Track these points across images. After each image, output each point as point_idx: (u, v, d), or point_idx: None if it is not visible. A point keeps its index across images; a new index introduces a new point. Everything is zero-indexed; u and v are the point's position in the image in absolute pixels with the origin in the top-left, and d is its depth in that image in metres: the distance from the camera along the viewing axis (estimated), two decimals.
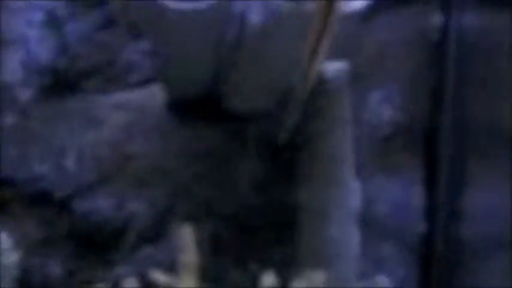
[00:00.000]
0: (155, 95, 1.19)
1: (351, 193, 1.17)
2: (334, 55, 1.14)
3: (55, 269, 1.08)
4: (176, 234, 0.96)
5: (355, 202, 1.17)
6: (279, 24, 1.03)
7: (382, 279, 1.17)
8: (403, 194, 1.31)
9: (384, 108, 1.29)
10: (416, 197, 1.30)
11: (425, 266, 1.30)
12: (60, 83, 1.16)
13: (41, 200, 1.10)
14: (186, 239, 0.87)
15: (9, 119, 1.13)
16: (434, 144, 1.31)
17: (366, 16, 1.17)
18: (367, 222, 1.22)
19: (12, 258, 0.93)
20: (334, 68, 1.13)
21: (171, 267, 0.87)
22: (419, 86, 1.29)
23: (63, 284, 0.95)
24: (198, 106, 1.15)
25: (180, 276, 0.86)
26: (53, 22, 1.15)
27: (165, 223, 1.14)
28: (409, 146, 1.31)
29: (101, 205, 1.14)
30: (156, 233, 1.14)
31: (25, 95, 1.14)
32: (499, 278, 1.22)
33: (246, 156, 1.16)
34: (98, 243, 1.12)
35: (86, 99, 1.18)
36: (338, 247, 1.09)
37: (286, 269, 0.93)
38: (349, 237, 1.13)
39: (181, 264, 0.87)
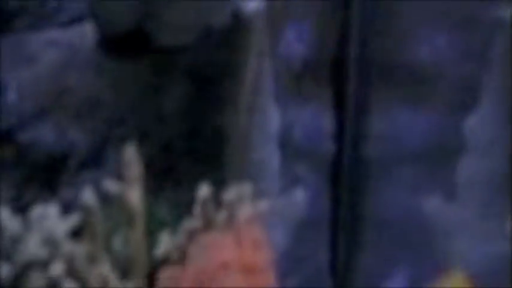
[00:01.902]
0: (86, 33, 1.20)
1: (271, 119, 1.22)
2: None
3: (3, 194, 1.09)
4: (117, 154, 0.98)
5: (274, 127, 1.23)
6: None
7: (299, 193, 1.24)
8: (315, 120, 1.37)
9: (297, 43, 1.34)
10: (327, 122, 1.37)
11: (335, 182, 1.38)
12: None
13: None
14: (130, 154, 0.90)
15: None
16: (342, 74, 1.37)
17: None
18: (284, 145, 1.28)
19: None
20: (251, 4, 1.17)
21: (116, 182, 0.91)
22: (328, 22, 1.34)
23: (12, 208, 0.96)
24: (127, 42, 1.17)
25: (127, 187, 0.89)
26: None
27: (104, 150, 1.17)
28: (319, 76, 1.37)
29: (42, 136, 1.15)
30: (96, 159, 1.16)
31: None
32: (401, 190, 1.31)
33: (174, 87, 1.19)
34: (42, 172, 1.14)
35: (19, 38, 1.18)
36: (261, 165, 1.15)
37: (217, 184, 0.97)
38: (270, 157, 1.19)
39: (127, 177, 0.91)
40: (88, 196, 0.86)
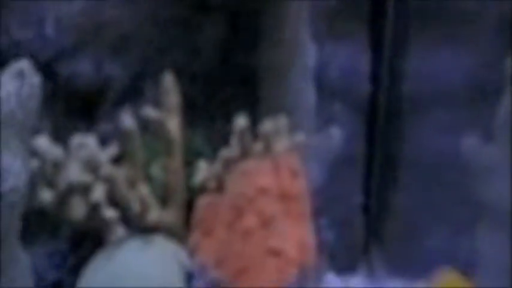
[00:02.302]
0: None
1: (307, 54, 1.21)
2: None
3: (43, 125, 1.10)
4: (154, 90, 0.99)
5: (310, 62, 1.22)
6: None
7: (335, 131, 1.23)
8: (352, 59, 1.35)
9: None
10: (364, 62, 1.35)
11: (370, 122, 1.37)
12: None
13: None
14: (168, 83, 0.90)
15: None
16: (380, 12, 1.35)
17: None
18: (320, 83, 1.27)
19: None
20: None
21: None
22: None
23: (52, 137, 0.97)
24: None
25: (166, 114, 0.89)
26: None
27: (141, 84, 1.17)
28: (357, 15, 1.35)
29: (80, 69, 1.15)
30: (133, 92, 1.17)
31: None
32: (438, 129, 1.29)
33: (210, 20, 1.18)
34: (81, 105, 1.14)
35: None
36: (297, 99, 1.14)
37: (254, 115, 0.97)
38: (306, 91, 1.18)
39: (165, 105, 0.91)
40: (127, 121, 0.86)
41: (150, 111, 0.89)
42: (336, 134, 1.25)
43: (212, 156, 0.95)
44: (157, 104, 0.95)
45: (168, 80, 0.91)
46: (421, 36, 1.33)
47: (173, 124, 0.91)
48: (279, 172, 0.86)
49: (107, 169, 0.86)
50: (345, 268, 1.35)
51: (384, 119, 1.36)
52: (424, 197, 1.33)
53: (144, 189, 0.88)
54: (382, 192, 1.38)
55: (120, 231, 0.88)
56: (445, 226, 1.31)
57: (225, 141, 0.97)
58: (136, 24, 1.17)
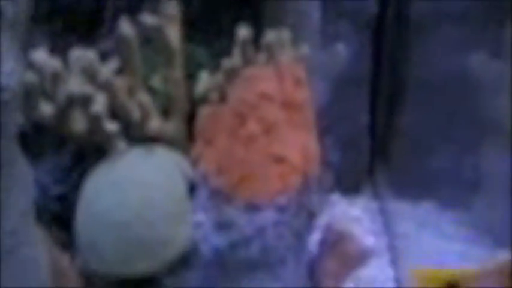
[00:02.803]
0: None
1: None
2: None
3: (43, 43, 1.08)
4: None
5: None
6: None
7: (340, 47, 1.21)
8: None
9: None
10: None
11: (377, 41, 1.34)
12: None
13: None
14: None
15: None
16: None
17: None
18: (326, 2, 1.24)
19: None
20: None
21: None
22: None
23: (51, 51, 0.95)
24: None
25: (165, 22, 0.87)
26: None
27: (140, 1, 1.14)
28: None
29: None
30: (133, 10, 1.14)
31: None
32: (446, 47, 1.26)
33: None
34: (80, 22, 1.12)
35: None
36: (301, 15, 1.11)
37: (257, 28, 0.95)
38: (310, 8, 1.15)
39: (164, 13, 0.88)
40: (125, 28, 0.84)
41: (148, 18, 0.87)
42: (341, 50, 1.23)
43: (214, 67, 0.93)
44: (158, 11, 0.92)
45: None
46: None
47: (173, 33, 0.88)
48: (282, 79, 0.84)
49: (106, 77, 0.84)
50: (350, 188, 1.34)
51: (391, 38, 1.33)
52: (430, 116, 1.31)
53: (144, 97, 0.86)
54: (389, 112, 1.36)
55: (121, 144, 0.87)
56: (451, 146, 1.29)
57: (227, 54, 0.94)
58: None
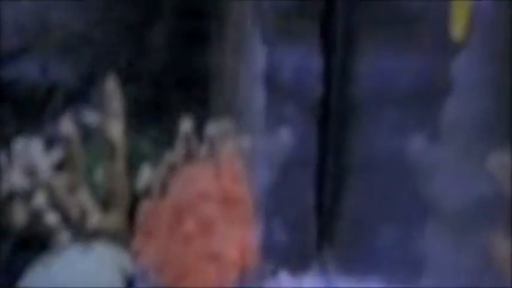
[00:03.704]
0: None
1: (257, 58, 1.21)
2: None
3: None
4: (102, 86, 0.98)
5: (260, 66, 1.22)
6: None
7: (285, 132, 1.23)
8: (303, 61, 1.35)
9: None
10: (315, 63, 1.35)
11: (322, 123, 1.37)
12: None
13: None
14: (110, 88, 0.89)
15: None
16: (330, 16, 1.35)
17: None
18: (271, 85, 1.27)
19: None
20: None
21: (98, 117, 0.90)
22: None
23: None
24: None
25: (108, 120, 0.89)
26: None
27: (88, 85, 1.16)
28: (308, 16, 1.35)
29: (26, 71, 1.14)
30: (81, 94, 1.15)
31: None
32: (387, 130, 1.30)
33: (159, 22, 1.17)
34: (27, 107, 1.13)
35: None
36: (245, 103, 1.14)
37: (200, 120, 0.97)
38: (255, 96, 1.18)
39: (107, 110, 0.90)
40: (67, 126, 0.85)
41: (91, 117, 0.88)
42: (285, 135, 1.26)
43: (157, 158, 0.94)
44: (102, 107, 0.94)
45: (111, 85, 0.91)
46: (371, 38, 1.34)
47: (116, 129, 0.90)
48: (221, 176, 0.86)
49: (47, 175, 0.85)
50: (298, 267, 1.36)
51: (335, 120, 1.37)
52: (374, 197, 1.34)
53: (83, 195, 0.87)
54: (334, 192, 1.39)
55: (63, 237, 0.88)
56: (394, 225, 1.32)
57: (171, 143, 0.96)
58: (85, 25, 1.16)
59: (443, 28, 1.28)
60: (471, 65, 1.21)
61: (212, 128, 0.94)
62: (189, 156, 0.91)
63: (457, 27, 1.19)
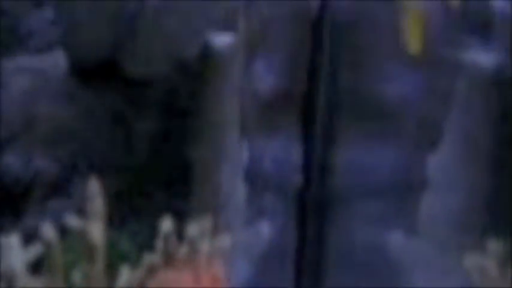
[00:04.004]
0: (58, 60, 1.20)
1: (238, 151, 1.23)
2: (223, 28, 1.18)
3: None
4: (83, 186, 0.98)
5: (241, 159, 1.23)
6: (175, 4, 1.06)
7: (265, 226, 1.24)
8: (284, 152, 1.37)
9: (267, 76, 1.35)
10: (296, 154, 1.37)
11: (301, 214, 1.38)
12: None
13: None
14: (93, 189, 0.90)
15: None
16: (311, 107, 1.38)
17: None
18: (253, 177, 1.28)
19: None
20: (222, 39, 1.17)
21: (79, 216, 0.90)
22: (299, 58, 1.35)
23: None
24: (99, 71, 1.17)
25: (89, 222, 0.89)
26: None
27: (70, 179, 1.16)
28: (289, 109, 1.37)
29: (9, 163, 1.14)
30: (62, 188, 1.16)
31: None
32: (366, 224, 1.31)
33: (142, 118, 1.19)
34: (9, 198, 1.13)
35: None
36: (226, 198, 1.15)
37: (180, 216, 0.97)
38: (235, 190, 1.19)
39: (89, 212, 0.90)
40: (48, 230, 0.85)
41: (72, 220, 0.89)
42: (265, 228, 1.26)
43: (137, 257, 0.94)
44: (84, 206, 0.94)
45: (93, 185, 0.91)
46: (350, 130, 1.36)
47: (97, 231, 0.90)
48: (199, 280, 0.86)
49: (25, 280, 0.84)
50: None
51: (315, 212, 1.37)
52: None
53: None
54: (314, 285, 1.38)
55: None
56: None
57: (151, 241, 0.96)
58: (69, 118, 1.17)
59: (422, 125, 1.31)
60: (447, 162, 1.24)
61: (193, 228, 0.95)
62: (169, 258, 0.92)
63: (413, 41, 1.21)
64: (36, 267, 0.90)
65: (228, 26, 1.16)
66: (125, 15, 1.10)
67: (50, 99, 1.18)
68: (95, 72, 1.17)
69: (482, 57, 1.18)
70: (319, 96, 1.37)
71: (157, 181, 1.17)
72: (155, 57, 1.15)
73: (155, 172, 1.17)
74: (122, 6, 1.08)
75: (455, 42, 1.21)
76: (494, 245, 1.07)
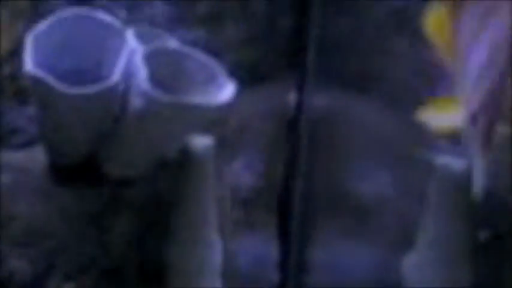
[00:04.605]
0: (38, 158, 1.20)
1: (214, 250, 1.22)
2: (202, 129, 1.20)
3: None
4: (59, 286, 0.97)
5: (217, 257, 1.23)
6: (157, 110, 1.08)
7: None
8: (260, 248, 1.37)
9: (244, 174, 1.36)
10: (272, 251, 1.37)
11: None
12: None
13: None
14: None
15: None
16: (287, 205, 1.38)
17: None
18: (228, 274, 1.28)
19: None
20: (200, 142, 1.19)
21: None
22: (275, 156, 1.37)
23: None
24: (79, 170, 1.17)
25: None
26: None
27: (46, 280, 1.14)
28: (266, 207, 1.38)
29: None
30: (38, 287, 1.14)
31: None
32: None
33: (119, 218, 1.18)
34: None
35: None
36: None
37: None
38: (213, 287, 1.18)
39: None
40: None
41: None
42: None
43: None
44: None
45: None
46: (326, 228, 1.37)
47: None
48: None
49: None
50: None
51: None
52: None
53: None
54: None
55: None
56: None
57: None
58: (45, 218, 1.16)
59: (397, 223, 1.32)
60: (420, 264, 1.24)
61: None
62: None
63: None
64: None
65: (208, 127, 1.18)
66: (107, 117, 1.11)
67: (28, 198, 1.17)
68: (74, 170, 1.17)
69: (453, 161, 1.20)
70: (295, 194, 1.38)
71: (133, 281, 1.16)
72: (135, 158, 1.16)
73: (131, 272, 1.15)
74: (105, 108, 1.09)
75: (428, 145, 1.24)
76: None
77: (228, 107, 1.12)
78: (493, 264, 1.23)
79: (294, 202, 1.37)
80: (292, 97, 1.39)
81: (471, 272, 1.22)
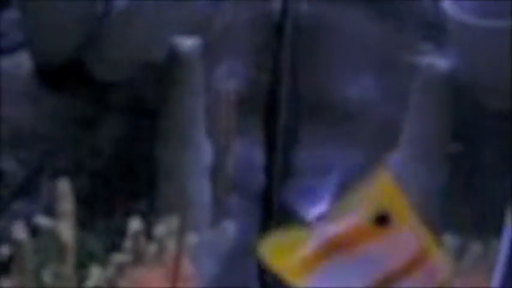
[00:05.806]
0: (23, 64, 1.19)
1: (203, 153, 1.23)
2: (188, 32, 1.19)
3: None
4: (51, 187, 0.98)
5: (206, 160, 1.24)
6: (142, 7, 1.06)
7: (228, 225, 1.25)
8: (247, 152, 1.38)
9: (230, 79, 1.35)
10: (258, 155, 1.38)
11: (265, 213, 1.39)
12: None
13: None
14: (63, 189, 0.90)
15: None
16: (273, 110, 1.39)
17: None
18: (217, 176, 1.29)
19: None
20: (188, 42, 1.18)
21: (48, 216, 0.90)
22: (261, 61, 1.37)
23: None
24: (64, 73, 1.16)
25: (59, 222, 0.88)
26: None
27: (37, 181, 1.15)
28: (251, 112, 1.38)
29: None
30: (29, 190, 1.15)
31: None
32: None
33: (108, 120, 1.18)
34: None
35: None
36: (192, 197, 1.15)
37: (148, 217, 0.98)
38: (201, 189, 1.19)
39: (59, 211, 0.90)
40: (18, 231, 0.85)
41: (42, 219, 0.88)
42: (229, 228, 1.27)
43: (106, 257, 0.94)
44: (52, 206, 0.94)
45: (63, 186, 0.91)
46: (311, 132, 1.38)
47: (66, 230, 0.90)
48: (169, 277, 0.86)
49: None
50: None
51: (277, 213, 1.39)
52: None
53: None
54: (277, 283, 1.40)
55: None
56: None
57: (120, 240, 0.96)
58: (34, 121, 1.16)
59: (381, 126, 1.33)
60: (405, 159, 1.26)
61: (160, 227, 0.95)
62: (138, 256, 0.92)
63: None
64: (6, 267, 0.89)
65: (193, 29, 1.17)
66: (92, 18, 1.09)
67: (14, 101, 1.17)
68: (60, 74, 1.16)
69: (438, 61, 1.20)
70: (281, 99, 1.38)
71: (123, 182, 1.17)
72: (122, 60, 1.15)
73: (121, 173, 1.16)
74: (89, 8, 1.08)
75: (411, 48, 1.24)
76: (449, 242, 1.09)
77: (213, 8, 1.10)
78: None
79: (279, 107, 1.38)
80: (277, 3, 1.38)
81: (448, 168, 1.25)
